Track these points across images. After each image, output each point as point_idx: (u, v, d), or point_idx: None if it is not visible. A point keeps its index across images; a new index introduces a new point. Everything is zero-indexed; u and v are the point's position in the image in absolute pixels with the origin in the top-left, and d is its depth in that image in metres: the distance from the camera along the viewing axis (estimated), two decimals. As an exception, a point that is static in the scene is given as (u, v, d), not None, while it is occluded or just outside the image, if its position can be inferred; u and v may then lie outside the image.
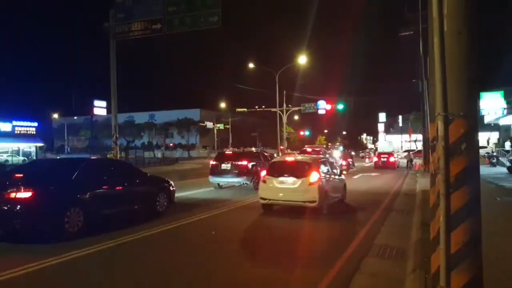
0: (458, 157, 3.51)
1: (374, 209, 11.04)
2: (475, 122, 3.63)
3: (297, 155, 16.76)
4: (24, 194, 6.81)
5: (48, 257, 6.02)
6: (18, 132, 49.43)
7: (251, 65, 42.10)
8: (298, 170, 10.39)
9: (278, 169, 10.69)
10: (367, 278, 5.18)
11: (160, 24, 16.83)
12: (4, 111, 49.46)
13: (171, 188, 10.52)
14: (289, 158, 11.73)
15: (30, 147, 49.69)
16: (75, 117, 75.58)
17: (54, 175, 8.05)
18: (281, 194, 10.17)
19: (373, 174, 27.68)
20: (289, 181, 10.17)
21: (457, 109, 3.53)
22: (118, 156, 18.35)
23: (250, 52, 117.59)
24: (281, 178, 10.26)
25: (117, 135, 17.60)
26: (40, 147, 51.88)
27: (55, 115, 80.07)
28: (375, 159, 36.66)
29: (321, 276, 5.33)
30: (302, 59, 38.81)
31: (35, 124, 52.66)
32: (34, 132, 51.90)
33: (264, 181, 10.51)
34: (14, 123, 49.16)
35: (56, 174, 8.14)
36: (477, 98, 3.75)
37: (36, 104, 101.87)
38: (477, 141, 3.65)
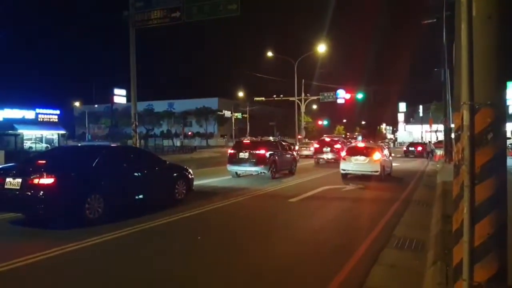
0: (484, 148, 3.39)
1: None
2: (504, 112, 3.50)
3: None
4: (47, 180, 6.95)
5: (69, 243, 6.16)
6: (41, 119, 50.53)
7: (269, 54, 41.78)
8: (367, 152, 15.90)
9: (353, 151, 16.25)
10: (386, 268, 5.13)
11: (179, 12, 16.81)
12: (28, 99, 50.70)
13: (190, 176, 10.58)
14: (361, 144, 17.89)
15: (52, 134, 50.75)
16: (96, 105, 76.67)
17: (75, 162, 8.21)
18: (355, 167, 15.72)
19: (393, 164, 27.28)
20: (361, 159, 15.68)
21: (484, 98, 3.40)
22: (138, 144, 18.56)
23: (269, 40, 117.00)
24: (355, 157, 15.79)
25: (137, 123, 17.78)
26: (62, 135, 52.92)
27: (77, 103, 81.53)
28: (404, 148, 41.15)
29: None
30: (321, 48, 38.35)
31: (57, 112, 53.70)
32: (56, 120, 52.97)
33: (344, 159, 16.14)
34: (38, 110, 50.23)
35: (78, 161, 8.30)
36: (505, 87, 3.59)
37: (58, 92, 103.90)
38: (505, 131, 3.53)
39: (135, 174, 8.90)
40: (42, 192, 6.95)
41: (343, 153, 16.85)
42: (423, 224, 7.58)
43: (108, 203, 7.81)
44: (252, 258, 5.84)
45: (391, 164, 18.25)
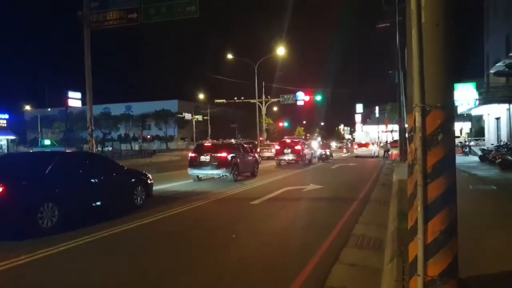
0: (435, 148, 3.55)
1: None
2: (452, 113, 3.67)
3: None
4: (-5, 190, 6.55)
5: (21, 255, 5.83)
6: (-12, 124, 47.76)
7: (229, 56, 41.79)
8: (367, 144, 39.08)
9: (359, 145, 39.73)
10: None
11: (136, 13, 16.41)
12: (-28, 103, 47.63)
13: (149, 181, 10.36)
14: (364, 142, 43.13)
15: (1, 140, 48.07)
16: (49, 109, 73.38)
17: (26, 169, 7.79)
18: (361, 152, 37.22)
19: (351, 164, 28.07)
20: (364, 149, 37.79)
21: (434, 100, 3.56)
22: (94, 149, 17.92)
23: (229, 43, 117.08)
24: (361, 148, 38.28)
25: (93, 127, 17.15)
26: (12, 140, 50.29)
27: (28, 107, 77.59)
28: (355, 146, 42.63)
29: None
30: (281, 51, 38.85)
31: (6, 116, 50.99)
32: (5, 125, 50.24)
33: (355, 148, 39.50)
34: (-17, 115, 47.44)
35: (29, 168, 7.88)
36: (453, 90, 3.78)
37: (7, 95, 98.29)
38: (454, 132, 3.71)
39: (91, 180, 8.59)
40: (-12, 202, 6.52)
41: (355, 146, 38.07)
42: (381, 222, 7.83)
43: (63, 211, 7.49)
44: (213, 264, 5.78)
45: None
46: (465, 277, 4.03)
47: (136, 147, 61.08)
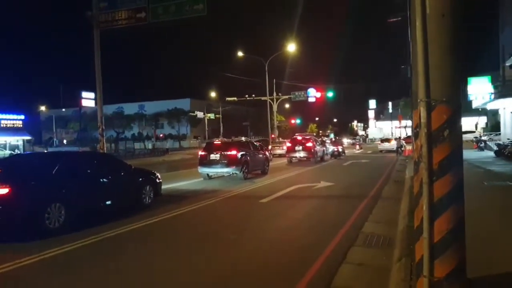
0: (441, 144, 3.41)
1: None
2: (459, 108, 3.52)
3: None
4: (1, 191, 6.59)
5: (28, 255, 5.86)
6: (4, 125, 48.43)
7: (240, 54, 41.68)
8: (389, 140, 42.20)
9: (383, 140, 43.43)
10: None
11: (145, 12, 16.43)
12: (-11, 105, 48.50)
13: (157, 180, 10.35)
14: (388, 137, 48.90)
15: (17, 140, 48.82)
16: (63, 109, 74.50)
17: (34, 169, 7.85)
18: (385, 147, 39.25)
19: (363, 160, 27.76)
20: (388, 143, 40.17)
21: (440, 94, 3.41)
22: (105, 148, 18.04)
23: (239, 40, 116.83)
24: (385, 143, 41.01)
25: (103, 127, 17.26)
26: (28, 140, 51.02)
27: (43, 108, 78.87)
28: (379, 142, 46.92)
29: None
30: (291, 47, 38.55)
31: (22, 117, 51.65)
32: (21, 125, 50.96)
33: (380, 144, 42.16)
34: (0, 116, 48.23)
35: (36, 168, 7.93)
36: (461, 83, 3.61)
37: (23, 96, 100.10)
38: (460, 127, 3.54)
39: (99, 180, 8.60)
40: (-4, 203, 6.56)
41: (380, 142, 40.20)
42: (391, 220, 7.67)
43: (71, 211, 7.52)
44: (221, 262, 5.73)
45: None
46: (474, 277, 3.88)
47: (149, 146, 61.42)
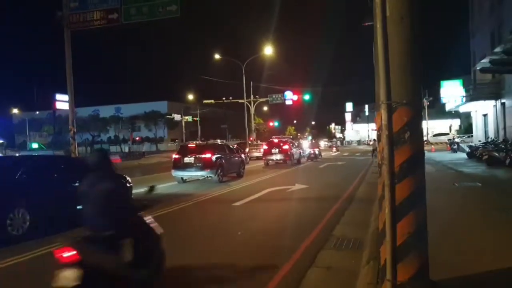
0: (402, 147, 3.40)
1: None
2: (419, 110, 3.53)
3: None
4: (-43, 197, 6.29)
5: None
6: (-26, 129, 46.93)
7: (217, 56, 41.56)
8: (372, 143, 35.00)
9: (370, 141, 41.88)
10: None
11: (117, 13, 16.16)
12: (-43, 108, 46.78)
13: (128, 184, 10.08)
14: (374, 140, 27.03)
15: (-12, 144, 47.31)
16: (37, 112, 72.48)
17: (-5, 174, 7.52)
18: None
19: (339, 163, 28.00)
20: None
21: (400, 97, 3.42)
22: (78, 152, 17.59)
23: (216, 43, 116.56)
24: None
25: (75, 130, 16.84)
26: (0, 144, 49.47)
27: (16, 110, 76.52)
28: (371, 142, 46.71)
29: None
30: (268, 50, 38.72)
31: (-8, 120, 50.15)
32: (-8, 129, 49.43)
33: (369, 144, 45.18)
34: (-31, 119, 46.63)
35: (-3, 174, 7.60)
36: (421, 86, 3.62)
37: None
38: (422, 130, 3.56)
39: (66, 185, 8.29)
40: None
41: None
42: (363, 222, 7.67)
43: (35, 218, 7.23)
44: (187, 269, 5.59)
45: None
46: (440, 279, 3.89)
47: (126, 149, 60.42)
